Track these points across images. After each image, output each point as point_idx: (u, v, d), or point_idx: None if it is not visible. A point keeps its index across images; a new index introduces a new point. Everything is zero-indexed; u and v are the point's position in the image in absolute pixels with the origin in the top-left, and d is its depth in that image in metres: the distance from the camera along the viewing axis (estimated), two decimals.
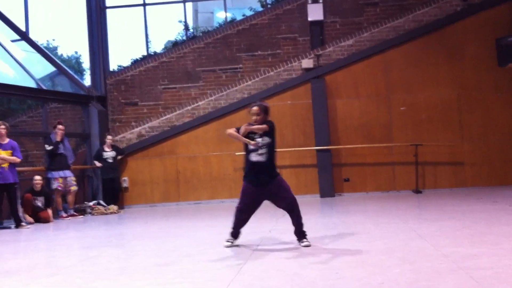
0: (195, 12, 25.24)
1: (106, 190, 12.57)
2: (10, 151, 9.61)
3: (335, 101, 12.86)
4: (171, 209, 12.09)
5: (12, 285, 4.56)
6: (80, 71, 22.06)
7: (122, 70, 13.78)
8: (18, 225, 9.57)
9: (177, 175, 13.12)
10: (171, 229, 8.33)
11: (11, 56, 12.85)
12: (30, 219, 10.15)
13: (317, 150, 12.59)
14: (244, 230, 6.05)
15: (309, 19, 12.99)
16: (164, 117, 13.33)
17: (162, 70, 13.51)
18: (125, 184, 13.14)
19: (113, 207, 11.95)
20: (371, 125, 12.77)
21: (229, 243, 5.89)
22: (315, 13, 12.92)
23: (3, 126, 9.69)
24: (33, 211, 10.36)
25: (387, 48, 12.87)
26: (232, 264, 4.97)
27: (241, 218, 5.92)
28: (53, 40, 24.94)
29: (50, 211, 10.55)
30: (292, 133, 12.78)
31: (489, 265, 4.23)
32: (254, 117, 5.74)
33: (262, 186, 5.73)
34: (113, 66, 14.02)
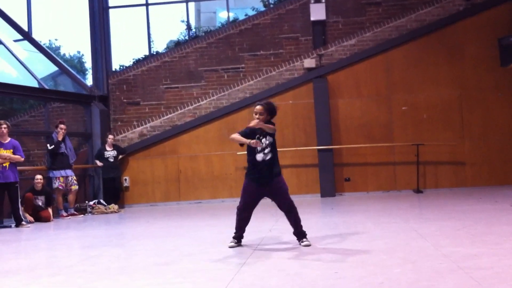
0: (198, 12, 25.22)
1: (107, 190, 12.58)
2: (11, 150, 9.62)
3: (336, 100, 12.86)
4: (172, 209, 12.10)
5: (12, 285, 4.56)
6: (83, 71, 22.05)
7: (124, 69, 13.79)
8: (18, 224, 9.58)
9: (178, 175, 13.13)
10: (171, 229, 8.33)
11: (14, 55, 12.89)
12: (31, 218, 10.17)
13: (319, 150, 12.60)
14: (246, 230, 6.04)
15: (312, 18, 12.99)
16: (166, 117, 13.34)
17: (164, 70, 13.52)
18: (126, 184, 13.16)
19: (114, 207, 11.96)
20: (372, 124, 12.77)
21: (232, 244, 5.88)
22: (317, 12, 12.92)
23: (4, 126, 9.71)
24: (34, 210, 10.38)
25: (389, 48, 12.87)
26: (233, 264, 4.98)
27: (243, 218, 5.91)
28: (56, 39, 24.89)
29: (50, 210, 10.57)
30: (294, 132, 12.79)
31: (490, 265, 4.22)
32: (257, 116, 5.73)
33: (263, 184, 5.73)
34: (115, 65, 14.04)
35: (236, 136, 5.75)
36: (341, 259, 4.83)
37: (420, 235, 5.91)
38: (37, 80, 12.70)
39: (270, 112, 5.79)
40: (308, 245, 5.60)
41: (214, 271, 4.67)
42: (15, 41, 13.44)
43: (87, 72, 21.11)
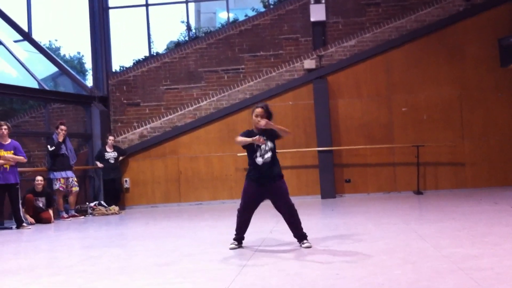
0: (198, 12, 25.23)
1: (107, 191, 12.58)
2: (12, 152, 9.63)
3: (337, 101, 12.86)
4: (172, 210, 12.10)
5: (13, 285, 4.57)
6: (83, 72, 22.05)
7: (125, 70, 13.79)
8: (19, 225, 9.58)
9: (179, 176, 13.13)
10: (172, 229, 8.34)
11: (14, 56, 12.89)
12: (31, 220, 10.16)
13: (319, 151, 12.59)
14: (247, 231, 6.04)
15: (312, 19, 12.99)
16: (166, 118, 13.34)
17: (164, 71, 13.53)
18: (126, 185, 13.16)
19: (114, 208, 11.95)
20: (372, 125, 12.77)
21: (233, 246, 5.88)
22: (317, 13, 12.92)
23: (5, 127, 9.70)
24: (34, 212, 10.38)
25: (389, 48, 12.87)
26: (233, 264, 4.98)
27: (243, 219, 5.90)
28: (56, 40, 24.93)
29: (51, 212, 10.56)
30: (294, 133, 12.76)
31: (490, 265, 4.23)
32: (258, 118, 5.73)
33: (264, 185, 5.72)
34: (115, 66, 14.03)
35: (240, 138, 5.74)
36: (341, 260, 4.84)
37: (420, 236, 5.91)
38: (37, 81, 12.71)
39: (269, 114, 5.79)
40: (309, 247, 5.60)
41: (215, 271, 4.67)
42: (15, 41, 13.44)
43: (87, 73, 21.12)
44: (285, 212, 5.80)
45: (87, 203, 12.03)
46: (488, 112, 12.63)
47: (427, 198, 11.18)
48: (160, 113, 13.39)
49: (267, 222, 7.83)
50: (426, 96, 12.72)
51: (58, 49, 24.14)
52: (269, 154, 5.72)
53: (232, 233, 5.97)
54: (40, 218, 10.33)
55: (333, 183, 12.52)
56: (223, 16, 18.49)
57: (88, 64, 20.03)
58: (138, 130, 13.40)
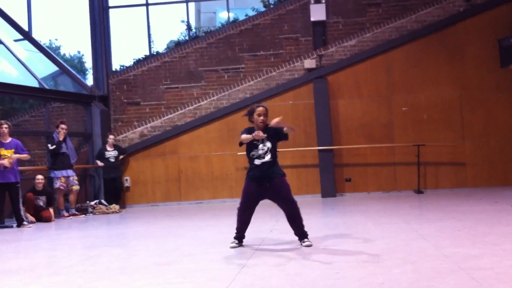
0: (198, 12, 25.23)
1: (107, 190, 12.59)
2: (13, 150, 9.63)
3: (337, 101, 12.86)
4: (173, 209, 12.10)
5: (13, 284, 4.57)
6: (83, 71, 22.05)
7: (125, 69, 13.80)
8: (19, 224, 9.59)
9: (179, 175, 13.14)
10: (172, 229, 8.34)
11: (14, 55, 12.89)
12: (32, 218, 10.18)
13: (319, 150, 12.60)
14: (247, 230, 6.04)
15: (312, 19, 12.99)
16: (166, 117, 13.35)
17: (165, 70, 13.53)
18: (126, 184, 13.16)
19: (115, 207, 11.96)
20: (372, 125, 12.77)
21: (234, 244, 5.87)
22: (317, 13, 12.92)
23: (5, 126, 9.72)
24: (35, 211, 10.39)
25: (390, 48, 12.87)
26: (234, 264, 4.98)
27: (243, 218, 5.90)
28: (56, 39, 24.93)
29: (51, 211, 10.57)
30: (294, 133, 12.76)
31: (490, 265, 4.23)
32: (261, 118, 5.74)
33: (264, 184, 5.72)
34: (115, 65, 14.04)
35: (244, 136, 5.73)
36: (341, 259, 4.83)
37: (421, 236, 5.91)
38: (37, 80, 12.71)
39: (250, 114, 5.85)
40: (310, 246, 5.60)
41: (215, 271, 4.67)
42: (15, 40, 13.44)
43: (87, 72, 21.13)
44: (287, 209, 5.78)
45: (88, 202, 12.04)
46: (488, 113, 12.63)
47: (428, 197, 11.18)
48: (160, 112, 13.39)
49: (267, 222, 7.83)
50: (426, 96, 12.73)
51: (58, 48, 24.14)
52: (268, 155, 5.71)
53: (233, 232, 5.97)
54: (40, 217, 10.34)
55: (333, 182, 12.53)
56: (223, 16, 18.49)
57: (88, 63, 20.04)
58: (138, 129, 13.40)
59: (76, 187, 11.35)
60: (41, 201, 10.48)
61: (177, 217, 10.17)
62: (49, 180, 11.11)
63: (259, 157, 5.72)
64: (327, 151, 12.56)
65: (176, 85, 13.45)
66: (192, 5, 21.32)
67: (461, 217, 7.49)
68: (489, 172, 12.54)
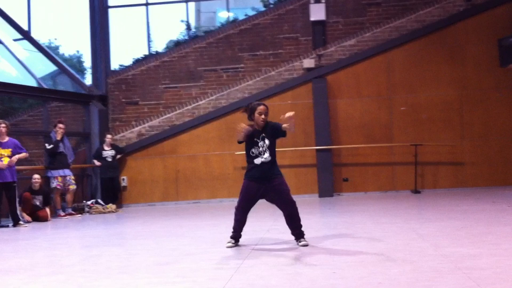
0: (197, 11, 25.20)
1: (105, 189, 12.57)
2: (10, 150, 9.62)
3: (336, 101, 12.86)
4: (171, 209, 12.10)
5: (13, 283, 4.56)
6: (82, 70, 22.03)
7: (124, 69, 13.79)
8: (16, 223, 9.58)
9: (177, 175, 13.13)
10: (171, 228, 8.33)
11: (13, 55, 12.88)
12: (28, 218, 10.17)
13: (318, 150, 12.60)
14: (243, 230, 6.04)
15: (311, 19, 12.99)
16: (164, 117, 13.34)
17: (164, 70, 13.52)
18: (124, 183, 13.15)
19: (112, 206, 11.95)
20: (372, 125, 12.77)
21: (230, 244, 5.87)
22: (317, 13, 12.92)
23: (3, 125, 9.71)
24: (32, 210, 10.37)
25: (389, 48, 12.87)
26: (232, 263, 4.97)
27: (241, 218, 5.90)
28: (55, 39, 24.87)
29: (48, 210, 10.56)
30: (292, 132, 12.75)
31: (489, 265, 4.23)
32: (262, 116, 5.73)
33: (263, 184, 5.72)
34: (114, 65, 14.03)
35: (242, 128, 5.76)
36: (340, 259, 4.84)
37: (420, 236, 5.91)
38: (36, 80, 12.69)
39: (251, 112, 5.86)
40: (306, 245, 5.60)
41: (214, 271, 4.68)
42: (15, 40, 13.42)
43: (86, 71, 21.10)
44: (286, 209, 5.77)
45: (84, 202, 12.02)
46: (488, 112, 12.63)
47: (427, 197, 11.17)
48: (159, 112, 13.38)
49: (264, 221, 7.83)
50: (426, 96, 12.73)
51: (57, 47, 24.11)
52: (267, 153, 5.71)
53: (231, 231, 5.97)
54: (37, 216, 10.32)
55: (331, 182, 12.53)
56: (223, 16, 18.48)
57: (87, 62, 20.00)
58: (136, 128, 13.39)
59: (73, 187, 11.35)
60: (38, 201, 10.47)
61: (175, 217, 10.17)
62: (46, 180, 11.10)
63: (259, 154, 5.70)
64: (326, 150, 12.56)
65: (175, 85, 13.44)
66: (192, 4, 21.29)
67: (460, 217, 7.50)
68: (488, 172, 12.54)
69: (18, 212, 9.78)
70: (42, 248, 6.84)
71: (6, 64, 12.81)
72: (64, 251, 6.46)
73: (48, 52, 14.14)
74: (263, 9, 14.05)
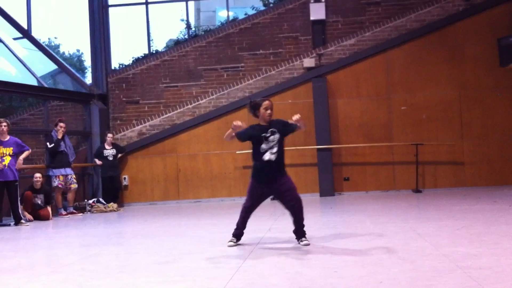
0: (197, 11, 25.24)
1: (106, 188, 12.58)
2: (11, 149, 9.63)
3: (336, 100, 12.87)
4: (171, 208, 12.11)
5: (12, 282, 4.57)
6: (82, 69, 22.06)
7: (124, 68, 13.80)
8: (17, 222, 9.58)
9: (178, 174, 13.14)
10: (171, 227, 8.34)
11: (13, 54, 12.87)
12: (30, 217, 10.17)
13: (318, 149, 12.61)
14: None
15: (311, 18, 12.99)
16: (165, 116, 13.34)
17: (164, 69, 13.52)
18: (125, 182, 13.16)
19: (113, 205, 11.95)
20: (371, 124, 12.78)
21: (232, 243, 5.87)
22: (317, 12, 12.92)
23: (4, 124, 9.71)
24: (33, 209, 10.38)
25: (389, 47, 12.88)
26: (233, 262, 4.98)
27: (245, 215, 5.90)
28: (55, 38, 24.95)
29: (49, 209, 10.57)
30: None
31: (489, 264, 4.24)
32: (269, 111, 5.70)
33: (270, 184, 5.71)
34: (114, 64, 14.04)
35: (228, 132, 5.76)
36: (340, 258, 4.84)
37: (419, 235, 5.92)
38: (37, 78, 12.69)
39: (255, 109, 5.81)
40: (307, 245, 5.60)
41: (214, 270, 4.68)
42: (15, 39, 13.43)
43: (86, 70, 21.14)
44: (292, 206, 5.74)
45: (86, 200, 12.03)
46: (487, 112, 12.64)
47: (426, 196, 11.18)
48: (159, 111, 13.39)
49: (265, 220, 7.83)
50: (425, 96, 12.73)
51: (57, 46, 24.14)
52: (276, 148, 5.65)
53: (232, 230, 5.97)
54: (38, 215, 10.33)
55: (332, 181, 12.53)
56: (223, 15, 18.49)
57: (88, 61, 20.03)
58: (137, 127, 13.40)
59: (74, 186, 11.35)
60: (39, 200, 10.48)
61: (176, 216, 10.17)
62: (47, 179, 11.11)
63: (269, 149, 5.64)
64: (326, 150, 12.57)
65: (175, 84, 13.45)
66: (191, 4, 21.32)
67: (459, 216, 7.50)
68: (488, 171, 12.55)
69: (20, 211, 9.79)
70: (42, 247, 6.85)
71: (6, 63, 12.81)
72: (64, 250, 6.47)
73: (48, 51, 14.15)
74: (263, 8, 14.08)
